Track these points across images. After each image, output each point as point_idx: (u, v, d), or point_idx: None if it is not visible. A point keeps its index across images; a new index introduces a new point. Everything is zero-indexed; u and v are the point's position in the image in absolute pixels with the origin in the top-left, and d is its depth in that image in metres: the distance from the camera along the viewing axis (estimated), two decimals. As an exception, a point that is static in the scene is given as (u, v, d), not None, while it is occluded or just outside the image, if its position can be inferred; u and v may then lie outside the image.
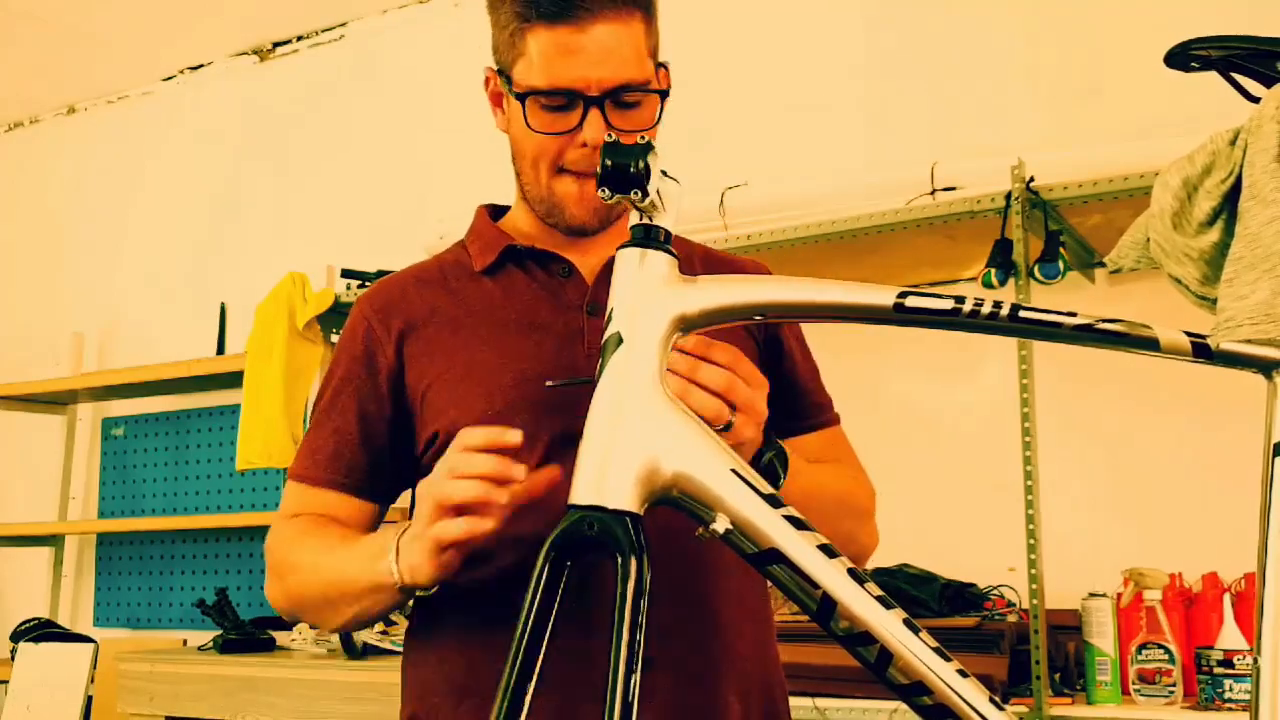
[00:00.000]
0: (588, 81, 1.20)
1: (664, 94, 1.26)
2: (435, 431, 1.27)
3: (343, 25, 4.07)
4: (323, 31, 4.11)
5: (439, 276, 1.35)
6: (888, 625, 0.95)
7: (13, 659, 3.55)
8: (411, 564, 1.09)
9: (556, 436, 1.21)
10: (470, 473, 1.03)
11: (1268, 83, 1.33)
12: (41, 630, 3.73)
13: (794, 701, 2.38)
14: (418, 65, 3.83)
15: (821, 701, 2.38)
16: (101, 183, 4.58)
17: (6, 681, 3.53)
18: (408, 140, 3.83)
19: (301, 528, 1.28)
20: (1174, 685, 2.21)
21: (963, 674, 0.96)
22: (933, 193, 2.55)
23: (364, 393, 1.31)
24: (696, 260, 1.38)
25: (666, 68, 1.32)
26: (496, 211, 1.43)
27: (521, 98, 1.24)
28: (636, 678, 0.89)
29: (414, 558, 1.08)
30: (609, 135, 1.03)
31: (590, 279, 1.32)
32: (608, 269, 1.27)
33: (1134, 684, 2.24)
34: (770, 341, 1.37)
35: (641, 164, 0.97)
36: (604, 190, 0.99)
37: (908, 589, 2.48)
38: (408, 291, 1.35)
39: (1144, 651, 2.23)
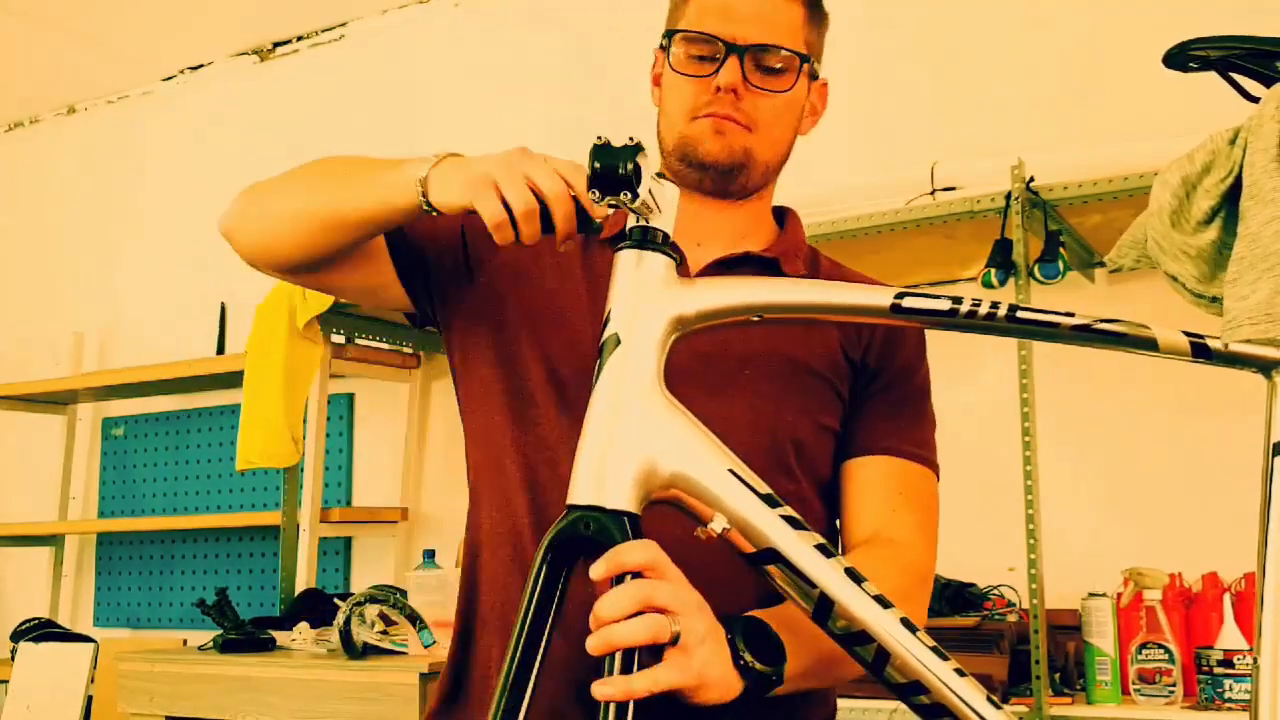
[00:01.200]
0: (733, 35, 1.25)
1: (804, 58, 1.28)
2: (473, 328, 1.29)
3: (343, 25, 4.07)
4: (323, 31, 4.11)
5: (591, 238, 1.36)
6: (885, 624, 0.95)
7: (13, 659, 3.55)
8: (455, 179, 1.10)
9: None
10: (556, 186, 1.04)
11: (1267, 82, 1.33)
12: (41, 630, 3.73)
13: (794, 701, 2.38)
14: (418, 65, 3.82)
15: (821, 701, 2.37)
16: (102, 183, 4.58)
17: (6, 681, 3.53)
18: (408, 140, 3.83)
19: None
20: (1174, 685, 2.21)
21: (960, 673, 0.96)
22: (932, 193, 2.54)
23: (478, 245, 1.30)
24: (828, 270, 1.41)
25: (821, 80, 1.36)
26: None
27: (670, 35, 1.29)
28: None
29: (463, 182, 1.09)
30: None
31: (694, 272, 1.31)
32: (711, 268, 1.30)
33: (1134, 684, 2.24)
34: (865, 370, 1.31)
35: (630, 165, 0.96)
36: (594, 193, 0.98)
37: (907, 589, 2.48)
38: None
39: (1144, 651, 2.23)
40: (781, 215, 1.44)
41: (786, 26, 1.28)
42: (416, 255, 1.32)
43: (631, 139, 1.00)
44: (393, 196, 1.17)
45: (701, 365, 1.18)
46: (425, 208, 1.13)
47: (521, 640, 0.92)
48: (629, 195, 0.97)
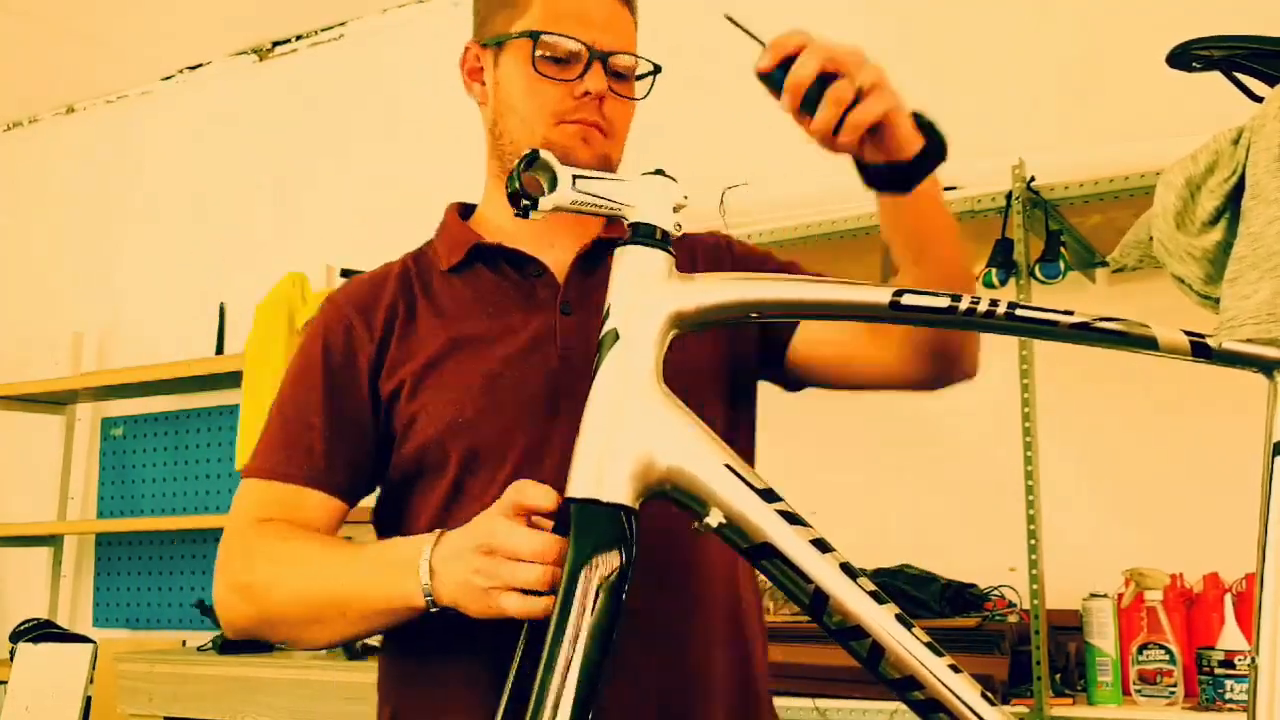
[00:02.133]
0: (594, 41, 1.27)
1: (658, 69, 1.33)
2: (406, 437, 1.25)
3: (342, 25, 4.07)
4: (322, 31, 4.11)
5: (413, 276, 1.34)
6: (879, 620, 0.95)
7: (12, 659, 3.55)
8: (458, 593, 1.03)
9: (527, 447, 1.21)
10: (539, 557, 0.98)
11: (1270, 82, 1.33)
12: (41, 630, 3.73)
13: (794, 701, 2.39)
14: (417, 65, 3.82)
15: (821, 702, 2.37)
16: (101, 183, 4.58)
17: (6, 682, 3.53)
18: (407, 140, 3.83)
19: (277, 534, 1.20)
20: (1175, 686, 2.20)
21: (955, 669, 0.96)
22: (933, 192, 2.54)
23: (342, 389, 1.27)
24: (724, 251, 1.41)
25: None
26: (466, 210, 1.43)
27: (534, 36, 1.27)
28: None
29: (466, 596, 1.03)
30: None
31: (561, 277, 1.31)
32: (578, 266, 1.31)
33: (1135, 684, 2.23)
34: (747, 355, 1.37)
35: (516, 184, 0.98)
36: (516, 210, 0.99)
37: (908, 589, 2.47)
38: (387, 290, 1.32)
39: (1145, 652, 2.23)
40: None
41: (629, 33, 1.32)
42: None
43: (526, 150, 0.99)
44: (397, 603, 1.08)
45: None
46: (434, 609, 1.07)
47: (526, 635, 0.94)
48: (529, 205, 0.98)
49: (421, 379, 1.25)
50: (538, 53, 1.26)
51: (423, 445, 1.23)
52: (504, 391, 1.22)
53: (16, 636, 3.71)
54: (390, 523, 1.29)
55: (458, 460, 1.22)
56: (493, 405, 1.22)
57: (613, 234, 1.31)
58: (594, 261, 1.31)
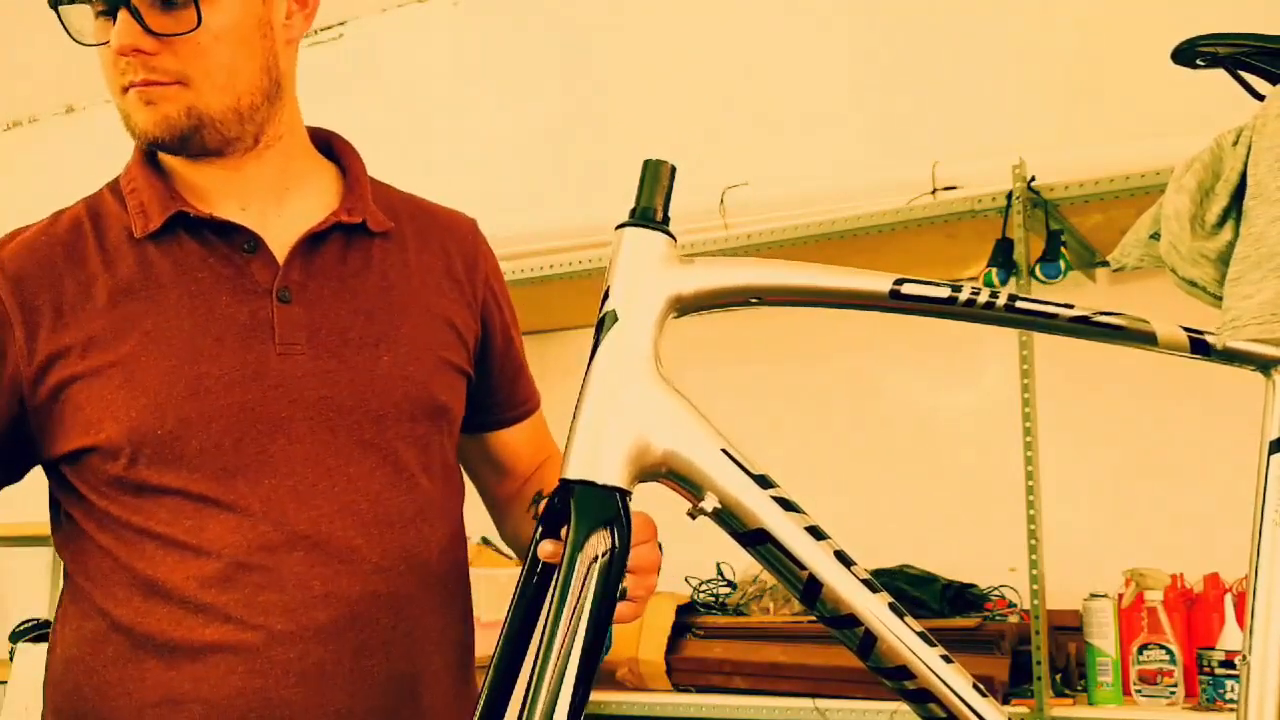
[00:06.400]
0: None
1: None
2: (86, 445, 1.07)
3: (342, 24, 4.07)
4: (322, 31, 4.11)
5: (93, 240, 1.12)
6: (872, 608, 0.95)
7: (12, 659, 3.55)
8: None
9: (243, 465, 1.06)
10: None
11: (1274, 80, 1.33)
12: (41, 631, 3.72)
13: (794, 702, 2.40)
14: (417, 65, 3.82)
15: (822, 702, 2.37)
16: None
17: (5, 682, 3.53)
18: (407, 140, 3.83)
19: None
20: (1175, 686, 2.20)
21: (947, 659, 0.96)
22: (934, 192, 2.54)
23: None
24: (401, 208, 1.24)
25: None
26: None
27: (55, 5, 1.06)
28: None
29: None
30: None
31: (281, 256, 1.12)
32: (302, 245, 1.14)
33: (1135, 685, 2.23)
34: (486, 319, 1.26)
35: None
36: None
37: (908, 589, 2.47)
38: (55, 258, 1.11)
39: (1145, 652, 2.23)
40: (326, 143, 1.23)
41: None
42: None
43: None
44: None
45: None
46: None
47: (518, 616, 0.92)
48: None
49: (110, 378, 1.06)
50: (79, 15, 1.06)
51: (108, 462, 1.06)
52: (212, 399, 1.05)
53: (16, 636, 3.70)
54: (77, 548, 1.15)
55: (155, 480, 1.05)
56: (199, 415, 1.05)
57: (355, 218, 1.16)
58: (321, 241, 1.14)
